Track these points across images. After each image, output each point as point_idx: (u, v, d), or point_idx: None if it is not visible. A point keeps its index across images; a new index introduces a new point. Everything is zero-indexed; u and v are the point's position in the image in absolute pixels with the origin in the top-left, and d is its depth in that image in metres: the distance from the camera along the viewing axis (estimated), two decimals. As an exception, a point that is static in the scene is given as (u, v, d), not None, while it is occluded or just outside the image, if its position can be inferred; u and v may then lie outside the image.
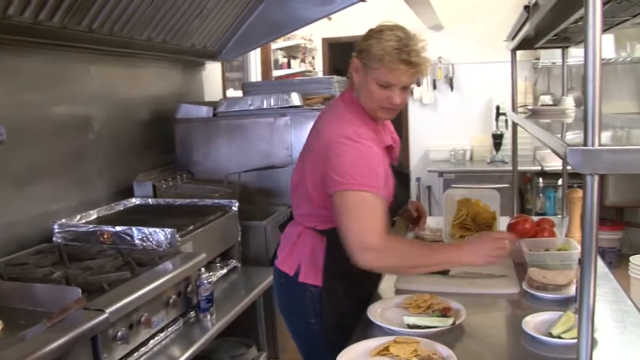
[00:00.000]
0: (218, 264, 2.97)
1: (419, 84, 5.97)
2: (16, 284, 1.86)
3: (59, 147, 2.81)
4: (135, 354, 2.00)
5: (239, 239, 3.08)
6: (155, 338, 2.11)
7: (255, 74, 5.60)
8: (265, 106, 3.53)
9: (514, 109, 3.34)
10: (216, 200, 3.09)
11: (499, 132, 5.58)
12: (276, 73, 6.02)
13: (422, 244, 2.15)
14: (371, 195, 1.65)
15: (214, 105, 3.65)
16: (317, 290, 1.87)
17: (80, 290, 1.77)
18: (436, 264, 1.77)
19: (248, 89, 4.04)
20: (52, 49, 2.69)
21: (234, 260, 3.05)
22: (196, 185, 3.50)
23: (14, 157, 2.51)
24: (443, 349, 1.45)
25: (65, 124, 2.85)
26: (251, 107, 3.55)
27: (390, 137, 2.00)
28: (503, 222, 2.44)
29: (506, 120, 5.33)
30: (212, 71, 4.38)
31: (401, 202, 2.07)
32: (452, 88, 6.14)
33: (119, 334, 1.89)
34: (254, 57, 5.56)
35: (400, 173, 2.00)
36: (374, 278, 1.99)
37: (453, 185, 5.07)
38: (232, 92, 4.91)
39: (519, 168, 3.78)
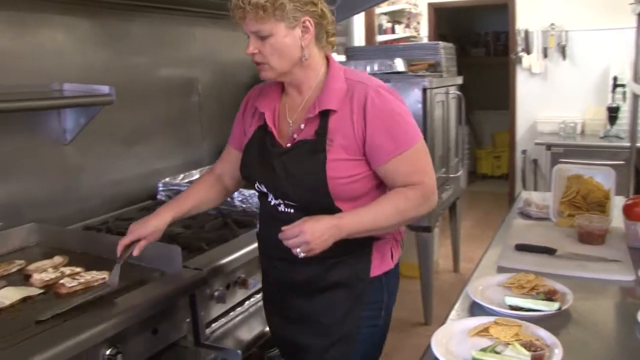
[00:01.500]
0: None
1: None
2: (122, 239, 1.93)
3: (164, 109, 2.88)
4: (232, 313, 2.04)
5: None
6: (251, 299, 2.13)
7: (358, 39, 5.51)
8: (368, 71, 3.46)
9: (636, 79, 3.09)
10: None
11: (615, 105, 5.23)
12: (380, 38, 5.91)
13: None
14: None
15: (316, 69, 3.61)
16: (391, 272, 1.75)
17: (180, 249, 1.81)
18: None
19: (351, 53, 3.97)
20: (159, 13, 2.75)
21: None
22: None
23: (123, 117, 2.59)
24: (547, 335, 1.36)
25: (170, 86, 2.92)
26: (354, 73, 3.49)
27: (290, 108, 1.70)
28: (617, 203, 2.26)
29: (624, 92, 4.98)
30: (316, 35, 4.33)
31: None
32: (564, 57, 5.80)
33: (216, 293, 1.92)
34: (358, 22, 5.46)
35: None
36: None
37: (561, 160, 4.80)
38: (335, 57, 4.85)
39: (638, 144, 3.52)
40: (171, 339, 1.70)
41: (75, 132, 2.36)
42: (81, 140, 2.40)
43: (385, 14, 6.05)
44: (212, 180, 1.90)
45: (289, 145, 1.64)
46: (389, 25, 6.08)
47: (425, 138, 3.28)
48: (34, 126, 2.28)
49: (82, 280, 1.67)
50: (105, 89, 2.19)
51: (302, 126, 1.64)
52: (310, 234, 1.47)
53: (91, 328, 1.44)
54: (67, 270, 1.76)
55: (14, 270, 1.83)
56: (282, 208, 1.67)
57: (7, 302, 1.55)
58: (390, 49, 4.17)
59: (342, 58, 4.37)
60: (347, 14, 4.20)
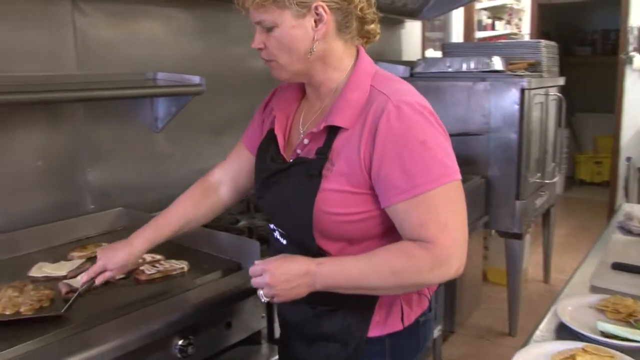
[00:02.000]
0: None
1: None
2: (205, 230, 1.94)
3: (254, 99, 2.86)
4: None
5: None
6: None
7: (456, 35, 5.36)
8: (464, 69, 3.34)
9: None
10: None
11: None
12: (479, 34, 5.72)
13: None
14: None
15: (411, 65, 3.54)
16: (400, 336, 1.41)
17: (258, 243, 1.79)
18: None
19: (448, 50, 3.86)
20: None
21: (416, 228, 2.95)
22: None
23: (212, 107, 2.61)
24: (644, 368, 1.23)
25: (259, 78, 2.89)
26: (449, 69, 3.39)
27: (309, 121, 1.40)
28: None
29: None
30: (412, 30, 4.24)
31: None
32: (682, 58, 5.42)
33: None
34: (457, 17, 5.31)
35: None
36: None
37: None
38: (431, 53, 4.75)
39: None
40: (244, 334, 1.68)
41: (166, 121, 2.40)
42: (171, 128, 2.44)
43: (485, 9, 5.85)
44: (202, 193, 1.61)
45: (291, 160, 1.36)
46: (489, 21, 5.87)
47: (520, 141, 3.19)
48: (128, 113, 2.34)
49: (160, 268, 1.69)
50: (196, 79, 2.22)
51: (306, 141, 1.35)
52: (273, 277, 1.24)
53: (165, 318, 1.44)
54: (148, 257, 1.78)
55: (100, 253, 1.88)
56: (276, 235, 1.43)
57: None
58: (488, 47, 4.02)
59: (439, 54, 4.26)
60: (445, 9, 4.10)
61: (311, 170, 1.28)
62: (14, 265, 1.81)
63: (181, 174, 2.55)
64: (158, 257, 1.79)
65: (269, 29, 1.27)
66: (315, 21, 1.25)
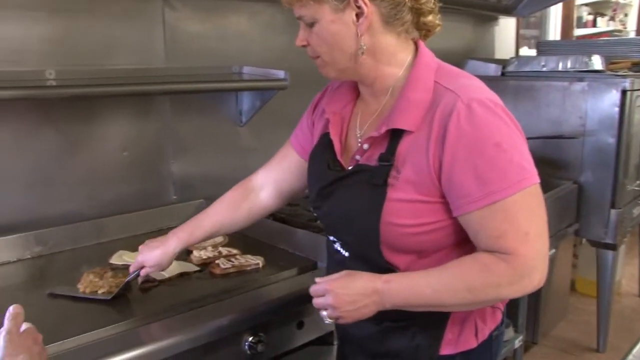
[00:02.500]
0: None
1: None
2: (281, 226, 1.94)
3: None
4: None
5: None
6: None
7: (554, 32, 5.12)
8: (560, 68, 3.17)
9: None
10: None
11: None
12: (578, 32, 5.45)
13: None
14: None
15: (503, 63, 3.40)
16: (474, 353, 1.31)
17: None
18: None
19: (543, 48, 3.68)
20: None
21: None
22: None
23: (295, 102, 2.59)
24: None
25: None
26: (544, 69, 3.22)
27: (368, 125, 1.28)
28: None
29: None
30: (506, 27, 4.09)
31: None
32: None
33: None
34: (554, 13, 5.07)
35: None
36: None
37: None
38: (525, 51, 4.56)
39: None
40: (316, 334, 1.66)
41: (250, 114, 2.42)
42: (255, 122, 2.45)
43: (586, 4, 5.59)
44: (241, 196, 1.54)
45: (350, 168, 1.25)
46: (590, 17, 5.61)
47: (618, 146, 3.00)
48: (213, 107, 2.37)
49: (236, 263, 1.69)
50: (280, 73, 2.21)
51: (365, 146, 1.23)
52: (337, 298, 1.15)
53: (237, 314, 1.44)
54: (225, 250, 1.79)
55: (179, 243, 1.91)
56: (337, 247, 1.32)
57: (166, 276, 1.61)
58: (587, 45, 3.81)
59: (534, 53, 4.09)
60: (542, 5, 3.92)
61: (375, 179, 1.17)
62: (99, 251, 1.87)
63: (263, 169, 2.57)
64: (234, 251, 1.80)
65: (310, 25, 1.20)
66: (356, 15, 1.15)
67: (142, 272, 1.49)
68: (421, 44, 1.25)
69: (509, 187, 1.08)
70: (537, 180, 1.12)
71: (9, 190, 1.87)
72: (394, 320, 1.26)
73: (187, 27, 2.23)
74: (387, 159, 1.17)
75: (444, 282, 1.13)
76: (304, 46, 1.25)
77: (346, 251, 1.29)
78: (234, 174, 2.44)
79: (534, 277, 1.10)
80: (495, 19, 3.94)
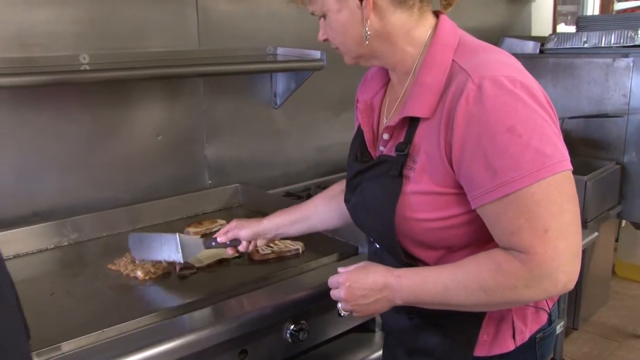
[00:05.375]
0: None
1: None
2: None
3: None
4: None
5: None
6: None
7: (592, 7, 4.96)
8: (603, 44, 3.06)
9: None
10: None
11: None
12: (619, 6, 5.26)
13: None
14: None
15: (541, 41, 3.30)
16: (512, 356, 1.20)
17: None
18: None
19: (583, 24, 3.55)
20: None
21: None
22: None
23: (333, 84, 2.54)
24: None
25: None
26: (585, 45, 3.12)
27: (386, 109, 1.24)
28: None
29: None
30: (542, 3, 3.96)
31: None
32: None
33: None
34: (593, -12, 4.92)
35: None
36: None
37: None
38: (563, 28, 4.43)
39: None
40: (357, 322, 1.61)
41: (285, 97, 2.37)
42: (290, 104, 2.41)
43: (626, -22, 5.39)
44: (340, 193, 1.41)
45: (374, 159, 1.19)
46: (631, -9, 5.40)
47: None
48: (247, 89, 2.33)
49: (275, 248, 1.66)
50: (317, 53, 2.16)
51: (386, 136, 1.16)
52: (349, 292, 1.13)
53: (278, 301, 1.40)
54: (264, 235, 1.75)
55: (215, 229, 1.87)
56: (371, 238, 1.28)
57: (205, 262, 1.57)
58: (630, 18, 3.64)
59: (572, 29, 3.96)
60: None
61: (392, 171, 1.10)
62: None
63: (299, 152, 2.53)
64: (273, 236, 1.75)
65: (324, 18, 1.16)
66: (359, 1, 1.09)
67: (242, 246, 1.50)
68: (443, 17, 1.14)
69: (524, 178, 0.95)
70: (565, 167, 0.98)
71: (46, 175, 1.86)
72: (424, 317, 1.19)
73: (220, 8, 2.18)
74: (403, 149, 1.09)
75: (456, 280, 1.04)
76: (325, 40, 1.20)
77: (377, 244, 1.24)
78: (269, 157, 2.43)
79: (558, 279, 0.97)
80: (532, -5, 3.83)
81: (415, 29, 1.12)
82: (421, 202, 1.07)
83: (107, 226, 1.89)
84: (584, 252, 2.54)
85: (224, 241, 1.50)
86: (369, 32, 1.10)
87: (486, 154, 0.97)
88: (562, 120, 2.95)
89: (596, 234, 2.47)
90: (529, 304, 1.15)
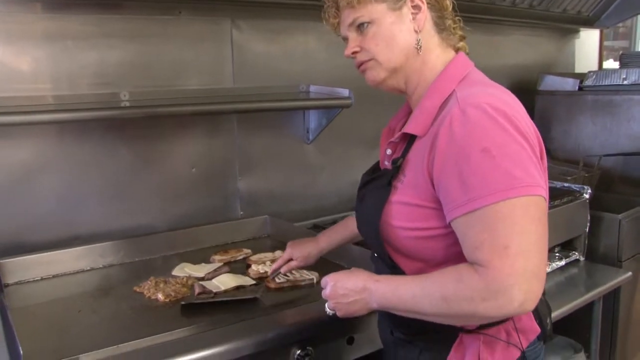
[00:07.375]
0: (557, 254, 2.70)
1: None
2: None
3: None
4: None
5: (587, 230, 2.74)
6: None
7: (644, 44, 4.90)
8: (645, 83, 3.04)
9: None
10: (567, 184, 2.80)
11: None
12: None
13: None
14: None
15: (581, 77, 3.30)
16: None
17: (390, 260, 1.77)
18: None
19: (626, 60, 3.52)
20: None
21: (576, 253, 2.72)
22: (550, 165, 3.23)
23: (364, 120, 2.61)
24: None
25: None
26: (625, 82, 3.09)
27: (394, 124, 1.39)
28: None
29: None
30: (588, 39, 3.96)
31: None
32: None
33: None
34: (644, 24, 4.86)
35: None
36: None
37: None
38: (611, 64, 4.38)
39: None
40: (367, 350, 1.66)
41: (317, 132, 2.47)
42: (322, 140, 2.51)
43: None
44: None
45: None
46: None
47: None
48: (281, 125, 2.44)
49: (290, 277, 1.73)
50: (345, 92, 2.26)
51: (389, 152, 1.29)
52: (332, 290, 1.25)
53: (285, 326, 1.47)
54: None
55: (239, 257, 1.98)
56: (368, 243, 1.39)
57: (222, 288, 1.67)
58: (676, 56, 3.62)
59: (616, 65, 3.93)
60: (627, 15, 3.77)
61: (384, 181, 1.23)
62: (165, 262, 1.99)
63: (331, 186, 2.62)
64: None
65: (364, 28, 1.22)
66: (412, 13, 1.21)
67: (287, 267, 1.68)
68: (460, 53, 1.27)
69: (490, 195, 1.02)
70: (534, 192, 1.04)
71: (88, 203, 2.01)
72: (403, 333, 1.29)
73: (255, 48, 2.31)
74: (396, 162, 1.22)
75: (423, 288, 1.11)
76: (354, 54, 1.27)
77: (372, 250, 1.36)
78: (301, 191, 2.53)
79: (514, 296, 1.00)
80: (576, 31, 3.83)
81: (440, 55, 1.26)
82: (403, 211, 1.18)
83: (141, 251, 2.02)
84: (618, 291, 2.52)
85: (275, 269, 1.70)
86: (421, 42, 1.22)
87: (461, 171, 1.06)
88: (599, 157, 2.94)
89: (630, 273, 2.45)
90: (500, 337, 1.17)
